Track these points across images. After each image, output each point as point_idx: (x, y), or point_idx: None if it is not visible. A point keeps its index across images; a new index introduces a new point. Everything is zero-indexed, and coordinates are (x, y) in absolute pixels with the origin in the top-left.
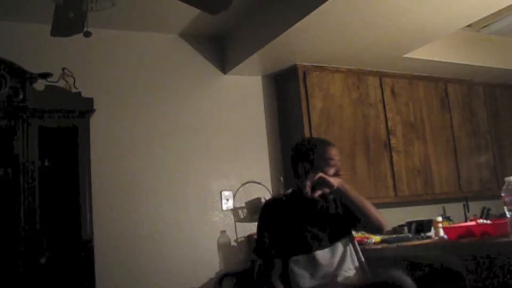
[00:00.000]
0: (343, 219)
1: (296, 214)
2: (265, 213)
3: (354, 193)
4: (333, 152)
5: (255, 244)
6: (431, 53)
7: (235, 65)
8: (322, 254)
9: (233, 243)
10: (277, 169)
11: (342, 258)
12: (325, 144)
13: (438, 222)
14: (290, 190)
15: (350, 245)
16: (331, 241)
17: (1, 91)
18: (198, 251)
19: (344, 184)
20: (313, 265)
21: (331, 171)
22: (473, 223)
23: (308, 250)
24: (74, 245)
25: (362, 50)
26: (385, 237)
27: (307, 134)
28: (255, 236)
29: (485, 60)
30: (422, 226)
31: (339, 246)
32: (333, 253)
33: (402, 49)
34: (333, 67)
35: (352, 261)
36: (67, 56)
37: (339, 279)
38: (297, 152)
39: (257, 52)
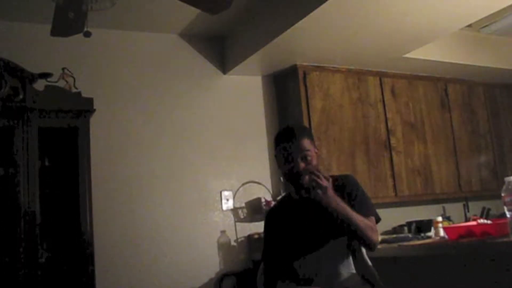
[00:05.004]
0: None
1: (291, 219)
2: (267, 220)
3: (341, 206)
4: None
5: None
6: (431, 53)
7: (235, 65)
8: (310, 260)
9: (233, 243)
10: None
11: (335, 266)
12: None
13: (438, 222)
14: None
15: (349, 252)
16: (322, 246)
17: (1, 91)
18: (198, 251)
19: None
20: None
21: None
22: (473, 223)
23: (300, 256)
24: (74, 245)
25: (362, 50)
26: (385, 237)
27: None
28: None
29: (485, 60)
30: (422, 226)
31: (333, 252)
32: (324, 260)
33: (402, 49)
34: (333, 67)
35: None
36: (67, 56)
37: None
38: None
39: (257, 52)
